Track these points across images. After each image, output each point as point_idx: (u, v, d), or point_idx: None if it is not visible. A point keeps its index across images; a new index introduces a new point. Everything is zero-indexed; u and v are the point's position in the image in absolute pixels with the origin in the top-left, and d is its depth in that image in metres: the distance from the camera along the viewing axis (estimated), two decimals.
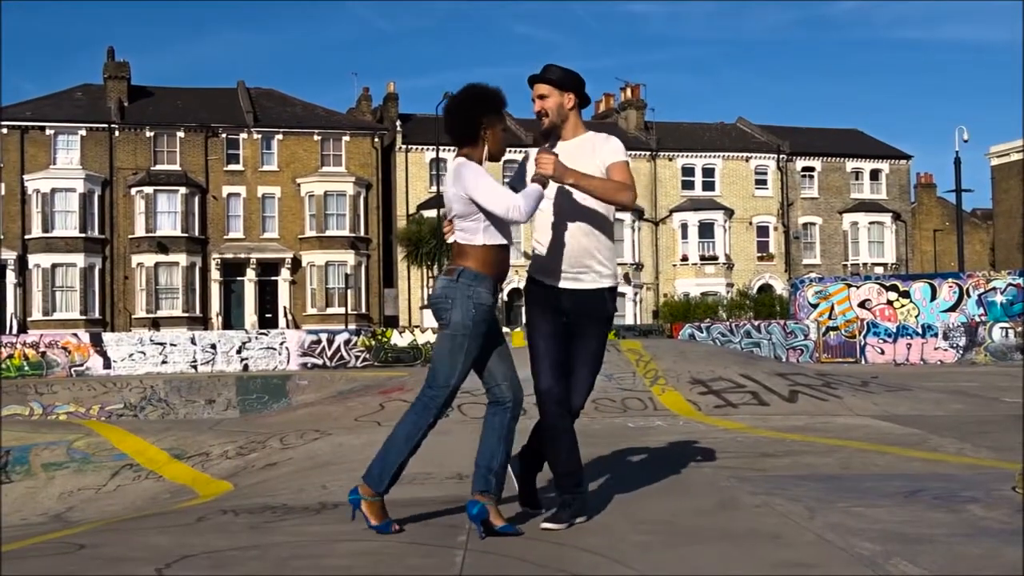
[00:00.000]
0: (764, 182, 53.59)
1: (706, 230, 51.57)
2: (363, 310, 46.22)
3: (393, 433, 4.35)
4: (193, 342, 31.45)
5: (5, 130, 44.13)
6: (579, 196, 4.43)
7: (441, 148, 46.35)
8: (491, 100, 4.39)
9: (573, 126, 4.53)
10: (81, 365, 29.90)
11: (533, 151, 4.57)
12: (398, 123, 49.35)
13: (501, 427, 4.33)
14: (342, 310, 44.56)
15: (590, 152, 4.46)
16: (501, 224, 4.31)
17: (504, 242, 4.33)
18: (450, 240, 4.40)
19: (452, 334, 4.26)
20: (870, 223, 54.20)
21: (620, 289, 55.04)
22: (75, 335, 32.01)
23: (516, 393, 4.38)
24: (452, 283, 4.27)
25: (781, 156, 53.67)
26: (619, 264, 49.46)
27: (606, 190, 4.37)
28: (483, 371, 4.41)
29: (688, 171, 52.61)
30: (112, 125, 45.16)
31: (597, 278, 4.52)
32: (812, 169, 54.50)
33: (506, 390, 4.35)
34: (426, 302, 45.11)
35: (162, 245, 44.49)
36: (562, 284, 4.48)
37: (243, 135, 46.49)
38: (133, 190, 44.92)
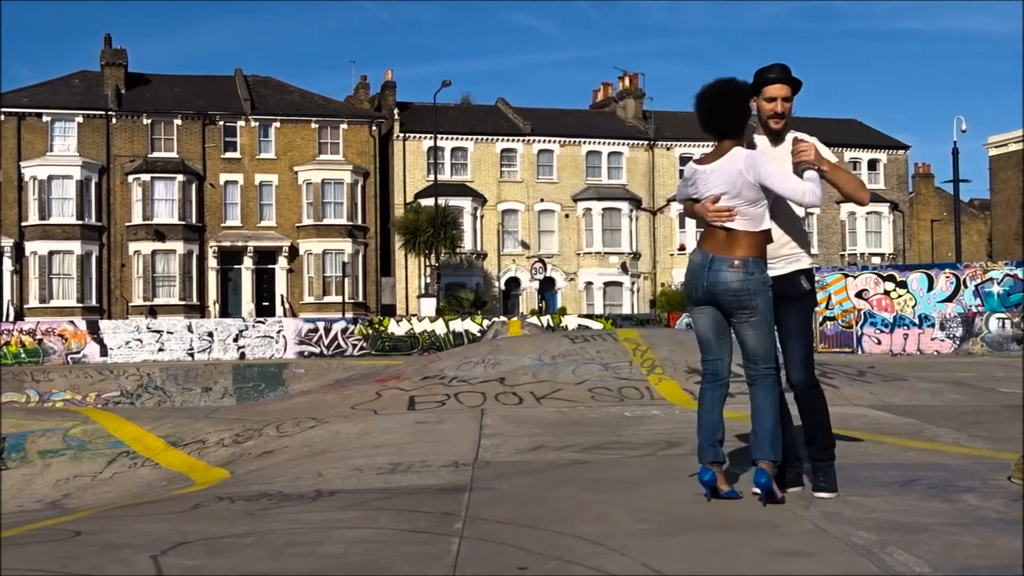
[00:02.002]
0: None
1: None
2: (360, 299, 46.20)
3: (760, 415, 4.74)
4: (190, 330, 31.46)
5: (2, 117, 43.96)
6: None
7: (439, 136, 46.24)
8: (747, 91, 4.72)
9: (787, 124, 4.75)
10: (78, 352, 29.91)
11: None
12: (396, 111, 49.23)
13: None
14: (339, 298, 44.55)
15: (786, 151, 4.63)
16: (774, 210, 4.58)
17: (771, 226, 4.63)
18: (727, 225, 4.55)
19: (762, 320, 4.59)
20: (868, 213, 54.14)
21: (617, 279, 54.05)
22: (72, 322, 32.01)
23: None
24: (748, 276, 4.51)
25: None
26: (616, 253, 49.88)
27: (852, 186, 4.57)
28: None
29: (686, 160, 52.46)
30: (109, 112, 45.02)
31: (789, 262, 4.68)
32: None
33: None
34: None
35: (159, 233, 44.43)
36: (771, 274, 4.63)
37: (240, 123, 46.37)
38: (130, 177, 44.83)
